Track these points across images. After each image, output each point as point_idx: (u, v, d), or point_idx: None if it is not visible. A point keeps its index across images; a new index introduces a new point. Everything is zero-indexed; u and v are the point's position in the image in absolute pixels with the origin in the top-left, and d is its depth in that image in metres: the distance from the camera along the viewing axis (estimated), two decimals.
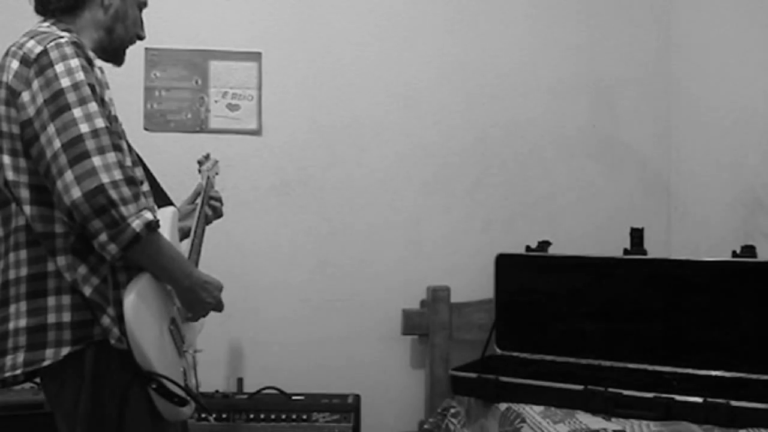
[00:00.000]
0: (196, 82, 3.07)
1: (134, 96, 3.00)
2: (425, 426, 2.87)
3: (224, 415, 2.76)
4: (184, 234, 1.99)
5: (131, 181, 1.49)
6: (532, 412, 2.30)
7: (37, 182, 1.53)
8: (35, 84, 1.50)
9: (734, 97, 2.81)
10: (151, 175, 1.82)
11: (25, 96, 1.50)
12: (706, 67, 3.02)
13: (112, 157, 1.47)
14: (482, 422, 2.52)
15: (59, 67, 1.51)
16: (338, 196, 3.12)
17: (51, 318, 1.52)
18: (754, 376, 2.42)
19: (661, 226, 3.18)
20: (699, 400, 2.16)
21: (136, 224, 1.47)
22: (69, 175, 1.44)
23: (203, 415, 2.69)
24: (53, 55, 1.52)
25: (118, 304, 1.52)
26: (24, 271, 1.55)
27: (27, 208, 1.54)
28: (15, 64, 1.54)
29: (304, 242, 3.10)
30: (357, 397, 2.91)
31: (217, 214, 2.13)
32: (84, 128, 1.47)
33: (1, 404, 2.51)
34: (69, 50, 1.53)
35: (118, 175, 1.46)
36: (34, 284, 1.54)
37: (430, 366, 3.01)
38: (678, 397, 2.19)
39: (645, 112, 3.22)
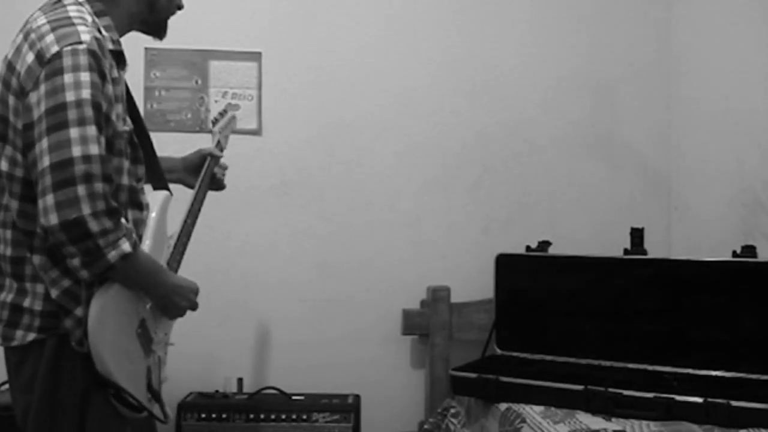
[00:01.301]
0: (196, 82, 3.07)
1: (134, 96, 2.98)
2: (425, 426, 2.87)
3: (224, 415, 2.76)
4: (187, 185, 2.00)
5: (113, 212, 1.46)
6: (532, 412, 2.30)
7: (31, 178, 1.51)
8: (42, 88, 1.46)
9: (734, 97, 2.81)
10: (154, 153, 1.81)
11: (33, 97, 1.47)
12: (706, 67, 3.02)
13: (99, 187, 1.43)
14: (482, 422, 2.51)
15: (68, 78, 1.45)
16: (338, 196, 3.12)
17: (27, 302, 1.55)
18: (754, 376, 2.42)
19: (662, 226, 3.18)
20: (699, 400, 2.16)
21: (112, 256, 1.45)
22: (50, 199, 1.41)
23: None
24: (66, 62, 1.46)
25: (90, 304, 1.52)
26: (9, 251, 1.57)
27: (14, 203, 1.54)
28: (30, 58, 1.49)
29: (304, 242, 3.10)
30: (357, 397, 2.91)
31: (218, 185, 2.11)
32: (76, 152, 1.42)
33: (1, 405, 2.51)
34: (84, 61, 1.47)
35: (101, 205, 1.43)
36: (15, 267, 1.57)
37: (430, 366, 3.01)
38: (678, 397, 2.19)
39: (645, 112, 3.22)
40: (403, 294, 3.09)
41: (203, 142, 3.00)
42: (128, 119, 1.68)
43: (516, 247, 2.97)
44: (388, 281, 3.11)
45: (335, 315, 3.09)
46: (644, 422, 2.16)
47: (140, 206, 1.69)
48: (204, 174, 2.03)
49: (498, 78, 3.18)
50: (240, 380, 2.96)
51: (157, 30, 1.79)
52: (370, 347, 3.10)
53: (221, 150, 2.15)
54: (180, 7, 1.83)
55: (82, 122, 1.44)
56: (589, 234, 3.14)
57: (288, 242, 3.09)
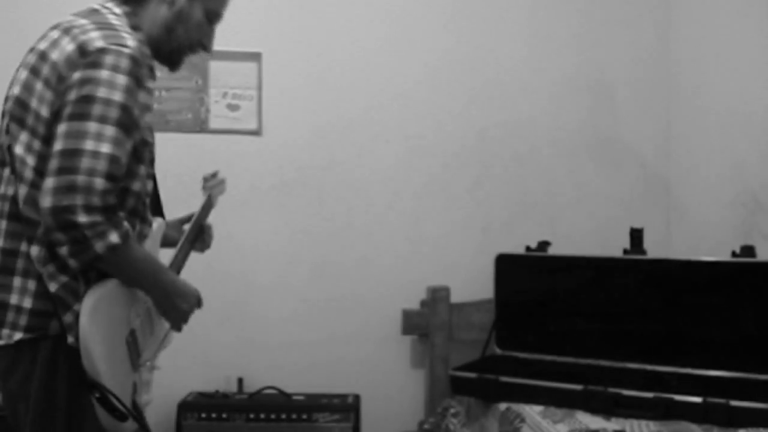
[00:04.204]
0: (196, 82, 3.07)
1: None
2: (425, 426, 2.87)
3: (224, 415, 2.77)
4: (170, 244, 1.91)
5: (107, 210, 1.44)
6: (532, 412, 2.30)
7: (42, 168, 1.48)
8: (77, 75, 1.46)
9: (734, 98, 2.82)
10: (155, 182, 1.80)
11: (66, 83, 1.47)
12: (706, 67, 3.02)
13: (98, 183, 1.42)
14: (482, 422, 2.52)
15: (105, 74, 1.46)
16: (338, 196, 3.12)
17: (14, 299, 1.51)
18: (754, 376, 2.43)
19: (661, 226, 3.18)
20: (698, 399, 2.16)
21: (99, 246, 1.43)
22: (50, 182, 1.42)
23: None
24: (108, 59, 1.47)
25: None
26: (0, 242, 1.53)
27: (23, 189, 1.50)
28: (70, 48, 1.49)
29: (304, 242, 3.10)
30: (357, 397, 2.91)
31: (204, 245, 2.05)
32: (88, 145, 1.43)
33: None
34: (125, 64, 1.48)
35: (96, 201, 1.42)
36: (5, 260, 1.52)
37: (430, 366, 3.01)
38: (677, 397, 2.19)
39: (645, 112, 3.23)
40: (403, 294, 3.09)
41: (203, 142, 3.03)
42: (153, 133, 1.66)
43: (516, 247, 2.98)
44: (388, 281, 3.12)
45: (335, 315, 3.10)
46: (643, 422, 2.17)
47: (146, 221, 1.68)
48: (193, 223, 1.94)
49: (498, 78, 3.18)
50: (240, 380, 2.97)
51: (170, 61, 1.72)
52: (370, 347, 3.10)
53: (212, 206, 2.06)
54: (206, 49, 1.76)
55: (103, 120, 1.45)
56: (589, 234, 3.14)
57: (288, 242, 3.10)
